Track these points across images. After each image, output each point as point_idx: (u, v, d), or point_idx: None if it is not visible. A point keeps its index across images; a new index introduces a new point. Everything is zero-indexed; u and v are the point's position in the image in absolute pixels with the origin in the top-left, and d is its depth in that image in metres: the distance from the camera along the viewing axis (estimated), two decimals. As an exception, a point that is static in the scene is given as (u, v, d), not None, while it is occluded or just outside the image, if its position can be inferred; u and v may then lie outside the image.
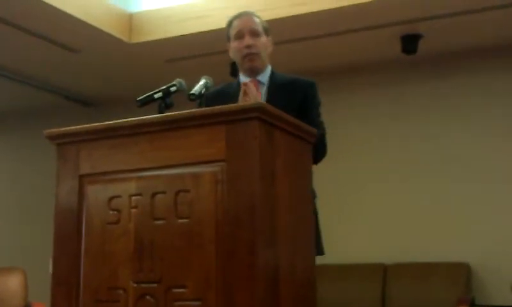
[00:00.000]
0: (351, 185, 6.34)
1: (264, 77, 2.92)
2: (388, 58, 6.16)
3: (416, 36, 5.65)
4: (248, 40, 2.85)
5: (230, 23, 2.95)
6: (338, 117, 6.43)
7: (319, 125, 2.79)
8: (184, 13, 5.58)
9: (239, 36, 2.87)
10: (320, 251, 2.72)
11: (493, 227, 5.77)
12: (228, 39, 2.95)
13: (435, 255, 5.81)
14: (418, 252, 5.89)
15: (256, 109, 1.98)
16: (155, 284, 2.00)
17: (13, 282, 5.42)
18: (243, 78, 2.92)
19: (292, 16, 5.21)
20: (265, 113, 2.00)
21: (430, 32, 5.59)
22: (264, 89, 2.89)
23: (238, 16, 2.93)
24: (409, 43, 5.69)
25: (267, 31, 2.93)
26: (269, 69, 2.95)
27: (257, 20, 2.92)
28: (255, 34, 2.86)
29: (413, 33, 5.63)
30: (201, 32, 5.55)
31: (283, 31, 5.47)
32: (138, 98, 2.48)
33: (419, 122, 6.22)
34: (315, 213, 2.65)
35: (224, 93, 2.88)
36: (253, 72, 2.90)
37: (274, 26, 5.26)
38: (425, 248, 5.91)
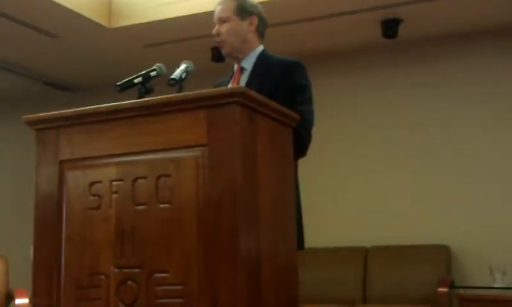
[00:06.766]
0: (332, 170, 6.36)
1: (247, 62, 2.84)
2: (368, 43, 6.16)
3: (397, 21, 5.67)
4: (215, 29, 2.84)
5: None
6: (318, 102, 6.44)
7: (301, 113, 2.50)
8: (163, -3, 5.54)
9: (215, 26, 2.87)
10: (300, 245, 2.56)
11: (473, 210, 5.82)
12: None
13: (415, 238, 5.86)
14: (399, 236, 5.93)
15: (237, 93, 1.97)
16: (137, 270, 2.00)
17: (-6, 269, 5.38)
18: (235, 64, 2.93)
19: (273, 0, 5.18)
20: (246, 98, 2.00)
21: (410, 17, 5.61)
22: (245, 76, 2.84)
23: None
24: (390, 27, 5.70)
25: (243, 12, 2.82)
26: (256, 52, 2.86)
27: (227, 4, 2.82)
28: (221, 21, 2.82)
29: (393, 18, 5.64)
30: (180, 16, 5.52)
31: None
32: (118, 83, 2.46)
33: (399, 107, 6.24)
34: (298, 205, 2.59)
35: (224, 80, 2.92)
36: (230, 58, 2.89)
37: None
38: (405, 231, 5.95)
